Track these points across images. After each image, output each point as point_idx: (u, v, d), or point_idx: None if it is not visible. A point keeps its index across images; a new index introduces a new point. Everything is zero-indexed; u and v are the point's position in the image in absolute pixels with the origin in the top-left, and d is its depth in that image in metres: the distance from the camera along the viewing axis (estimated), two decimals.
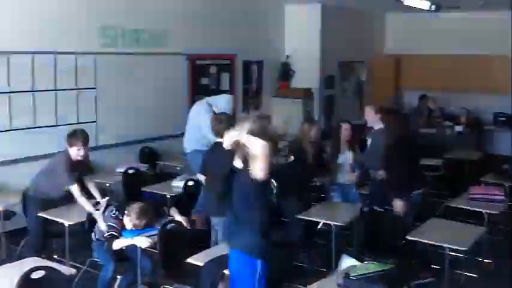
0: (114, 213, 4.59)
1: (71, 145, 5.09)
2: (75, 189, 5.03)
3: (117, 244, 4.48)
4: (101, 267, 5.03)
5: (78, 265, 5.05)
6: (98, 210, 4.88)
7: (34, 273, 3.53)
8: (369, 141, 6.38)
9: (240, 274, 3.64)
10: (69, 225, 4.98)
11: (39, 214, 5.13)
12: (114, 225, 4.54)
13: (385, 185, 5.56)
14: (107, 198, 5.06)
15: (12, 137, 6.22)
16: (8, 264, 4.18)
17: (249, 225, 3.57)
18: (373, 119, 6.33)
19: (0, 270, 3.99)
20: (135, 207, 4.54)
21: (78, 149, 5.07)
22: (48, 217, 5.10)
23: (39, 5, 6.35)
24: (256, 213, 3.55)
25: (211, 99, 6.63)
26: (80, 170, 5.25)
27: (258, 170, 3.46)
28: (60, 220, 5.03)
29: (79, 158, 5.12)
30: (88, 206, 4.96)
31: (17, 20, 6.16)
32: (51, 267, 3.70)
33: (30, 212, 5.25)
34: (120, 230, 4.54)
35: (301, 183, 5.95)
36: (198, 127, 6.33)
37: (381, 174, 5.75)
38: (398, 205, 5.29)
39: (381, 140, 5.89)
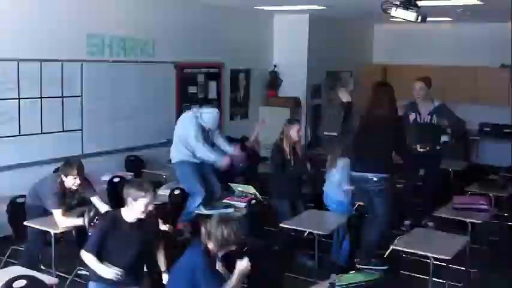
0: (92, 223, 4.56)
1: (66, 175, 5.06)
2: (57, 214, 4.96)
3: None
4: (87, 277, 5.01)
5: (64, 275, 5.02)
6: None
7: (16, 282, 3.49)
8: None
9: None
10: (55, 233, 4.92)
11: (25, 223, 5.07)
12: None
13: None
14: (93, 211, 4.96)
15: None
16: None
17: None
18: None
19: None
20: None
21: (74, 178, 5.05)
22: (34, 226, 5.03)
23: (26, 12, 6.32)
24: None
25: (199, 111, 6.50)
26: (71, 198, 5.21)
27: None
28: (46, 229, 4.97)
29: (74, 187, 5.10)
30: (75, 222, 4.89)
31: (3, 27, 6.12)
32: (33, 277, 3.66)
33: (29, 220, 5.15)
34: None
35: (289, 187, 6.07)
36: (183, 139, 6.29)
37: None
38: None
39: None
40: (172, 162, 6.51)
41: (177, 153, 6.41)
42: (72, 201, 5.22)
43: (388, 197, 5.57)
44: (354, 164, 5.66)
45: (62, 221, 4.94)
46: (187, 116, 6.46)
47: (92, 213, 4.73)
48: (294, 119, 6.67)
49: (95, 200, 5.27)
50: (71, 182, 5.06)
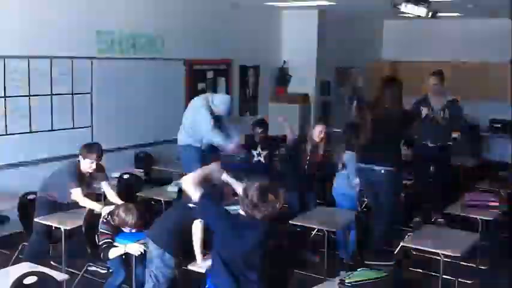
0: (104, 219, 4.57)
1: (84, 157, 5.06)
2: (77, 192, 4.99)
3: (113, 253, 4.44)
4: (97, 274, 5.04)
5: (74, 271, 5.04)
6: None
7: (27, 278, 3.51)
8: None
9: None
10: (65, 230, 4.93)
11: (36, 220, 5.08)
12: (105, 231, 4.52)
13: None
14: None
15: (7, 141, 6.20)
16: (1, 270, 4.14)
17: None
18: None
19: None
20: (120, 206, 4.56)
21: (91, 162, 5.05)
22: (45, 222, 5.05)
23: (36, 9, 6.34)
24: None
25: (211, 96, 6.41)
26: (86, 181, 5.22)
27: None
28: (57, 225, 4.99)
29: (90, 171, 5.11)
30: (94, 205, 4.91)
31: (13, 24, 6.14)
32: (44, 273, 3.68)
33: (38, 214, 5.18)
34: (113, 235, 4.52)
35: (301, 181, 6.06)
36: (193, 123, 6.25)
37: None
38: None
39: None
40: (178, 144, 6.47)
41: (185, 137, 6.37)
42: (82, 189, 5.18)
43: (394, 191, 5.55)
44: (362, 156, 5.64)
45: (83, 200, 4.96)
46: (198, 101, 6.36)
47: (110, 209, 4.69)
48: (320, 119, 6.61)
49: (104, 185, 5.27)
50: (87, 165, 5.05)
